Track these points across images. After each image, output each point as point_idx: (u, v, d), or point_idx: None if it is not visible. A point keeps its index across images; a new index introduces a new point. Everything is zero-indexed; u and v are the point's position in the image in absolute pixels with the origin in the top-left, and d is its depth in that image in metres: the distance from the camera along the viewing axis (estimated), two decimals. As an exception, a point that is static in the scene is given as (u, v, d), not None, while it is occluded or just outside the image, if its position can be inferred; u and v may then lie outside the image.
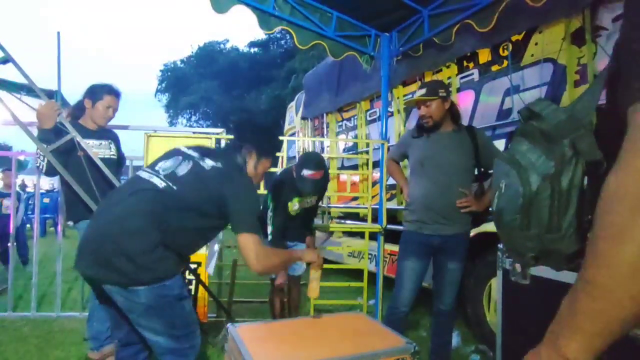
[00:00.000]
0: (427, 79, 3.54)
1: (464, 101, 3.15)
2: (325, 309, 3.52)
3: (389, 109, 3.77)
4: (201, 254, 3.41)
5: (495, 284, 2.80)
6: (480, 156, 2.28)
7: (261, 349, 1.78)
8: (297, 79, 16.76)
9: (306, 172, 2.47)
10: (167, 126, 21.60)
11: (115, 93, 2.69)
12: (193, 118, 29.30)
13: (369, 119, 4.40)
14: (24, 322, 3.21)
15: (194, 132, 3.77)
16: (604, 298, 0.46)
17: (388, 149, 3.39)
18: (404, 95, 3.83)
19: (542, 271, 1.96)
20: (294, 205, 2.69)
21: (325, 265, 3.79)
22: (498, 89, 2.87)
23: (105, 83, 2.70)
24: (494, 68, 2.91)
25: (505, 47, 2.81)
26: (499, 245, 2.21)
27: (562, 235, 0.81)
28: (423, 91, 2.29)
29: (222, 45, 29.17)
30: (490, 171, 2.36)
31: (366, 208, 3.69)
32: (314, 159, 2.59)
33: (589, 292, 0.47)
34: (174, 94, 28.71)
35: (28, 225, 6.08)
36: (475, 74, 3.08)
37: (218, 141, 3.58)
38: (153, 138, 3.49)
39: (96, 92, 2.63)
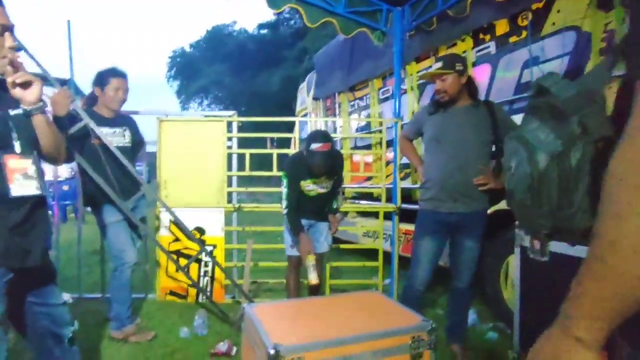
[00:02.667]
0: (442, 54, 3.42)
1: (480, 75, 3.04)
2: (341, 288, 3.55)
3: (402, 87, 3.68)
4: (218, 237, 3.45)
5: (513, 262, 2.77)
6: (498, 131, 2.21)
7: (278, 328, 1.80)
8: (310, 60, 16.54)
9: (314, 146, 2.46)
10: (180, 111, 21.71)
11: (120, 74, 2.68)
12: (205, 102, 29.35)
13: (381, 97, 4.31)
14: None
15: (205, 116, 3.76)
16: (609, 277, 0.45)
17: (402, 127, 3.32)
18: (418, 72, 3.72)
19: (561, 247, 1.91)
20: (307, 186, 2.68)
21: (341, 246, 3.83)
22: (516, 61, 2.75)
23: (109, 67, 2.69)
24: (512, 39, 2.79)
25: (524, 16, 2.68)
26: (516, 222, 2.17)
27: (573, 212, 0.78)
28: (439, 64, 2.22)
29: (230, 28, 28.88)
30: None
31: (380, 188, 3.65)
32: (320, 133, 2.60)
33: (595, 272, 0.46)
34: (184, 79, 28.73)
35: (50, 212, 6.24)
36: (492, 47, 2.96)
37: (230, 124, 3.57)
38: (165, 123, 3.50)
39: (103, 77, 2.63)
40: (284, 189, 2.66)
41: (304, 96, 6.24)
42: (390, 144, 3.68)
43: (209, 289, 3.45)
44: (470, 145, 2.20)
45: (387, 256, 3.60)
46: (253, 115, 3.92)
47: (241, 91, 24.21)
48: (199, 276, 3.45)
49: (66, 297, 1.55)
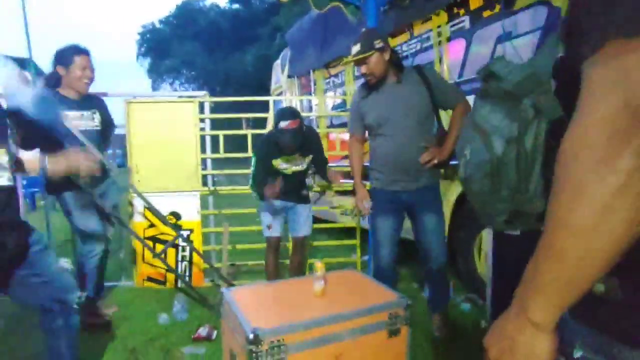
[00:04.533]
0: (416, 29, 3.38)
1: (455, 50, 3.03)
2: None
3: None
4: (194, 221, 3.40)
5: (486, 236, 2.85)
6: (434, 95, 2.19)
7: (256, 311, 1.79)
8: (282, 37, 16.13)
9: (282, 124, 2.42)
10: (151, 92, 20.95)
11: (84, 51, 2.52)
12: (177, 82, 28.42)
13: (356, 74, 4.25)
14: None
15: (178, 97, 3.62)
16: (563, 259, 0.45)
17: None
18: (393, 47, 3.67)
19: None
20: (281, 164, 2.64)
21: (320, 225, 3.84)
22: (490, 36, 2.74)
23: (69, 45, 2.52)
24: (486, 14, 2.77)
25: (497, -11, 2.66)
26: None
27: (530, 195, 0.78)
28: (357, 48, 2.15)
29: (201, 3, 27.76)
30: (448, 109, 2.29)
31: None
32: (287, 110, 2.56)
33: (548, 253, 0.46)
34: (155, 58, 27.63)
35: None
36: (466, 21, 2.93)
37: (202, 105, 3.46)
38: (133, 104, 3.35)
39: (65, 56, 2.46)
40: (251, 169, 2.64)
41: (279, 74, 6.09)
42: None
43: (187, 274, 3.41)
44: (408, 122, 2.17)
45: (365, 233, 3.63)
46: (228, 95, 3.79)
47: (214, 71, 23.53)
48: (176, 261, 3.41)
49: (64, 263, 1.57)
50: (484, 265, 2.86)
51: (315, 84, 5.01)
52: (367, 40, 2.14)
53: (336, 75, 4.64)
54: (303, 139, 2.52)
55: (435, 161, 2.20)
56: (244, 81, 20.57)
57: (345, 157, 4.45)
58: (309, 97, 5.14)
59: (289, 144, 2.45)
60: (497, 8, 2.67)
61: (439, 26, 3.14)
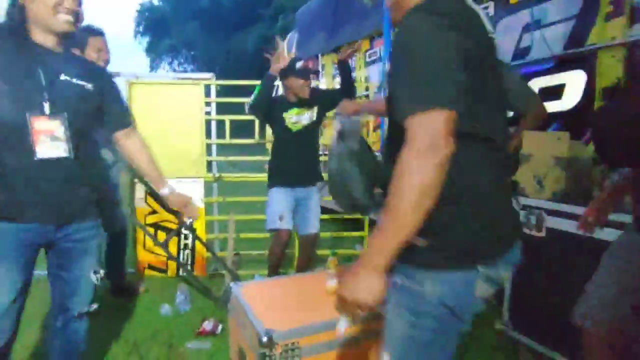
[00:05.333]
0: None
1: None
2: (325, 259, 3.49)
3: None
4: (198, 208, 3.27)
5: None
6: (508, 99, 2.13)
7: (268, 311, 1.70)
8: (285, 19, 15.72)
9: (297, 64, 2.50)
10: (149, 72, 20.54)
11: (98, 32, 2.41)
12: (176, 62, 27.91)
13: (368, 60, 4.10)
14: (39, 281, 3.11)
15: (180, 78, 3.46)
16: (395, 232, 0.79)
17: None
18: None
19: (557, 224, 1.87)
20: (291, 117, 2.53)
21: (325, 216, 3.73)
22: (516, 24, 2.60)
23: (82, 26, 2.34)
24: (513, 0, 2.62)
25: (527, -25, 2.50)
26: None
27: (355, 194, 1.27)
28: None
29: (202, -19, 27.02)
30: None
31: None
32: (295, 59, 2.61)
33: (391, 223, 0.79)
34: (154, 37, 27.02)
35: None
36: (490, 8, 2.78)
37: (207, 87, 3.30)
38: (136, 86, 3.20)
39: (78, 38, 2.28)
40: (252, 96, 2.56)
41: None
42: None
43: (190, 262, 3.32)
44: None
45: (373, 224, 3.54)
46: (229, 78, 3.63)
47: (215, 51, 23.02)
48: (179, 249, 3.31)
49: (97, 274, 1.51)
50: (497, 263, 2.78)
51: (323, 69, 4.85)
52: None
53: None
54: (313, 91, 2.55)
55: None
56: (245, 63, 20.14)
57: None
58: (316, 83, 4.98)
59: (302, 82, 2.45)
60: (526, -6, 2.52)
61: (460, 12, 2.99)
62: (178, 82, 3.34)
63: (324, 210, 4.04)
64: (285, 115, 2.56)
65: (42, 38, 1.36)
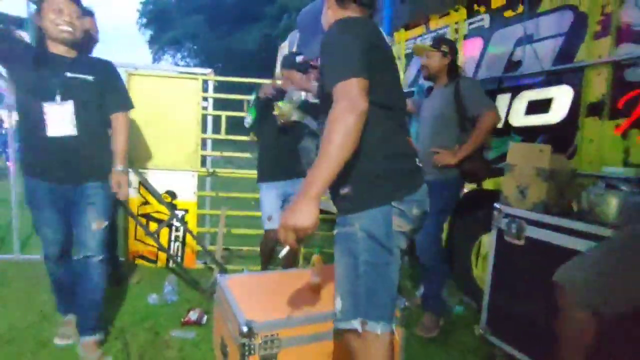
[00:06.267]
0: (433, 23, 3.28)
1: (471, 49, 2.95)
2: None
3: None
4: (190, 201, 3.33)
5: (486, 241, 2.82)
6: (462, 108, 2.36)
7: (251, 302, 1.75)
8: (289, 18, 15.77)
9: (298, 58, 2.61)
10: (151, 63, 20.51)
11: (88, 12, 2.29)
12: (178, 55, 27.88)
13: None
14: (7, 265, 3.15)
15: (179, 72, 3.50)
16: (331, 162, 1.03)
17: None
18: (406, 40, 3.58)
19: (536, 233, 1.94)
20: (280, 109, 2.51)
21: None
22: (509, 37, 2.66)
23: None
24: (507, 14, 2.68)
25: (522, -11, 2.56)
26: (495, 205, 2.17)
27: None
28: (429, 42, 2.57)
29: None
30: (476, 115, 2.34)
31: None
32: (294, 53, 2.76)
33: (324, 160, 1.03)
34: (157, 29, 26.97)
35: (9, 163, 5.83)
36: (485, 20, 2.84)
37: (206, 83, 3.35)
38: (135, 77, 3.24)
39: None
40: (249, 107, 2.63)
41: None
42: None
43: (179, 254, 3.36)
44: (432, 122, 2.46)
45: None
46: (230, 74, 3.67)
47: (217, 47, 23.00)
48: (169, 241, 3.35)
49: (99, 224, 1.98)
50: (481, 269, 2.84)
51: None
52: (438, 42, 2.47)
53: (345, 64, 4.54)
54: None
55: (446, 161, 2.34)
56: (247, 60, 20.15)
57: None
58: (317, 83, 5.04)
59: (304, 71, 2.55)
60: (520, 9, 2.59)
61: (457, 22, 3.05)
62: (177, 75, 3.38)
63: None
64: (275, 107, 2.54)
65: (54, 48, 1.86)
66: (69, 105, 1.83)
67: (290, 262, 2.83)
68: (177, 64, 27.49)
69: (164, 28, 25.89)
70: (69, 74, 1.85)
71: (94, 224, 1.95)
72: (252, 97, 2.66)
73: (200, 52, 25.31)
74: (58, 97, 1.82)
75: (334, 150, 1.02)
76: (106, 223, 2.00)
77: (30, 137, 1.87)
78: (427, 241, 2.38)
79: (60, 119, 1.82)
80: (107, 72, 2.01)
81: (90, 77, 1.90)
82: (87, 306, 2.01)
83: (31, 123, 1.84)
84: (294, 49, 5.51)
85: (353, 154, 1.07)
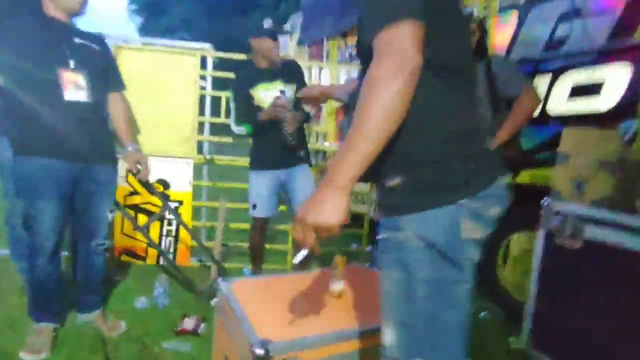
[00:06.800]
0: (458, -2, 2.96)
1: (504, 27, 2.64)
2: (324, 258, 3.23)
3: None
4: (185, 192, 2.98)
5: (518, 241, 2.54)
6: (497, 86, 2.01)
7: (263, 315, 1.44)
8: (287, 4, 15.24)
9: (265, 23, 2.44)
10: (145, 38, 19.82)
11: None
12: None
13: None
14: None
15: (174, 47, 3.11)
16: (367, 139, 0.74)
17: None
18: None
19: (600, 235, 1.65)
20: (260, 93, 2.32)
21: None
22: (551, 11, 2.36)
23: None
24: (550, -15, 2.37)
25: (569, -43, 2.25)
26: (543, 201, 1.88)
27: None
28: None
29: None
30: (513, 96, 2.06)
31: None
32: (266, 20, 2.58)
33: (358, 137, 0.74)
34: (149, 16, 26.19)
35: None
36: (522, -7, 2.54)
37: (203, 59, 3.00)
38: (125, 51, 2.87)
39: None
40: (232, 106, 2.41)
41: (286, 40, 5.59)
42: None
43: (172, 250, 3.02)
44: None
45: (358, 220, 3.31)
46: (227, 63, 3.24)
47: (213, 35, 22.33)
48: (160, 236, 3.00)
49: (112, 213, 2.00)
50: (510, 273, 2.55)
51: (328, 55, 4.56)
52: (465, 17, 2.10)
53: (354, 47, 4.20)
54: (288, 63, 2.45)
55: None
56: (245, 48, 19.55)
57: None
58: (320, 64, 4.67)
59: (269, 46, 2.31)
60: (566, -21, 2.28)
61: (488, -3, 2.73)
62: (172, 50, 3.01)
63: None
64: (253, 92, 2.36)
65: (55, 12, 1.74)
66: (84, 73, 1.76)
67: (303, 263, 2.52)
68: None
69: (156, 15, 25.14)
70: (77, 40, 1.78)
71: (110, 214, 1.93)
72: (232, 106, 2.42)
73: (196, 40, 24.64)
74: (71, 62, 1.73)
75: (372, 124, 0.73)
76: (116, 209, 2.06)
77: (35, 108, 1.68)
78: None
79: (74, 87, 1.73)
80: (104, 46, 1.95)
81: (97, 47, 1.87)
82: (91, 289, 2.03)
83: (39, 91, 1.68)
84: (295, 35, 5.18)
85: (404, 132, 0.79)
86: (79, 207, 1.87)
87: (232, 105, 2.42)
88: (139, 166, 2.03)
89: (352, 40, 4.22)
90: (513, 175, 2.37)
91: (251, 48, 2.41)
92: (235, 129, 2.40)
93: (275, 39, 2.35)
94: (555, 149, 2.34)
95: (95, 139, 1.83)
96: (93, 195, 1.88)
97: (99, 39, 1.94)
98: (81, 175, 1.82)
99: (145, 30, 27.01)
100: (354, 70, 4.22)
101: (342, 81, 4.47)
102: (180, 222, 2.82)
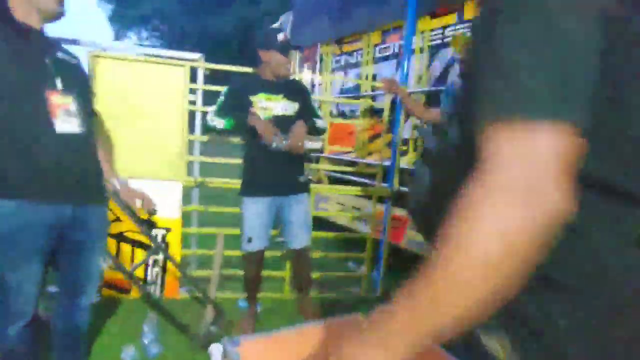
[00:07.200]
0: (468, 11, 2.79)
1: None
2: (317, 282, 3.03)
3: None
4: (173, 218, 2.71)
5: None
6: None
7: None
8: (268, 0, 14.76)
9: (273, 37, 2.16)
10: (112, 43, 18.87)
11: None
12: (144, 34, 26.12)
13: (378, 55, 3.62)
14: None
15: (159, 56, 2.79)
16: (453, 301, 0.44)
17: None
18: (432, 30, 3.07)
19: None
20: (260, 102, 2.14)
21: (322, 234, 3.22)
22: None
23: None
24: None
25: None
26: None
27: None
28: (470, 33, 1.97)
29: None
30: None
31: (369, 164, 3.11)
32: (274, 29, 2.44)
33: (434, 294, 0.45)
34: (120, 5, 25.02)
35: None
36: None
37: (194, 70, 2.71)
38: (101, 60, 2.55)
39: None
40: (218, 100, 2.20)
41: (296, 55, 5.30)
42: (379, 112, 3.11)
43: (159, 283, 2.74)
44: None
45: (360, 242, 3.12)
46: (209, 60, 2.89)
47: (190, 27, 21.55)
48: (146, 266, 2.72)
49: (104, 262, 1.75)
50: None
51: (322, 60, 4.32)
52: None
53: (350, 54, 3.97)
54: (289, 81, 2.27)
55: None
56: (221, 43, 18.94)
57: (349, 152, 3.87)
58: (311, 74, 4.45)
59: (281, 59, 2.12)
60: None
61: (501, 11, 2.57)
62: (157, 60, 2.70)
63: (322, 226, 3.56)
64: (253, 98, 2.15)
65: (28, 18, 1.35)
66: (73, 95, 1.42)
67: (310, 312, 2.37)
68: (142, 45, 25.79)
69: (129, 3, 24.03)
70: (60, 55, 1.45)
71: (103, 264, 1.69)
72: (220, 99, 2.20)
73: (170, 32, 23.71)
74: (58, 82, 1.38)
75: (462, 282, 0.43)
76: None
77: (16, 139, 1.32)
78: None
79: (64, 113, 1.38)
80: (78, 58, 1.60)
81: (75, 60, 1.53)
82: (69, 345, 1.67)
83: (23, 121, 1.32)
84: (286, 34, 4.90)
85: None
86: (65, 262, 1.54)
87: (219, 99, 2.20)
88: (139, 201, 1.77)
89: (349, 47, 3.99)
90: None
91: (258, 60, 2.20)
92: (212, 120, 2.13)
93: (286, 54, 2.16)
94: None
95: (87, 177, 1.51)
96: (83, 246, 1.55)
97: (71, 52, 1.58)
98: (70, 223, 1.47)
99: (116, 19, 25.83)
100: (350, 82, 4.00)
101: (336, 91, 4.25)
102: (167, 257, 2.56)
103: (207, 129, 2.19)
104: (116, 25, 25.99)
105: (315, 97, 4.19)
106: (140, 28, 25.74)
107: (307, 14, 4.43)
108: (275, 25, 5.33)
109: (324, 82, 4.28)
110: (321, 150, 2.58)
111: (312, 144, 2.25)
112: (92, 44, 2.60)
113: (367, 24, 3.60)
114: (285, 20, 4.97)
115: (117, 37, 25.82)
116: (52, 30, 1.55)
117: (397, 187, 3.01)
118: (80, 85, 1.50)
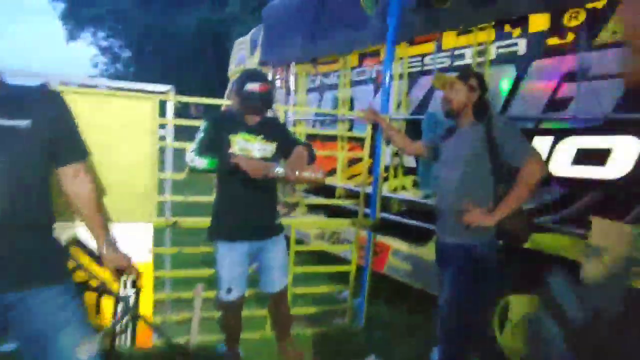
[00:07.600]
0: (447, 41, 2.78)
1: (499, 79, 2.49)
2: (302, 315, 2.92)
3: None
4: (144, 262, 2.51)
5: (514, 302, 2.44)
6: (494, 156, 1.91)
7: None
8: (234, 5, 14.24)
9: (250, 86, 2.00)
10: (67, 43, 17.74)
11: None
12: (99, 34, 24.80)
13: (355, 78, 3.56)
14: None
15: (126, 89, 2.55)
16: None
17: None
18: (410, 57, 3.04)
19: None
20: (238, 142, 2.03)
21: (303, 268, 3.11)
22: (553, 69, 2.24)
23: None
24: (552, 41, 2.25)
25: (574, 14, 2.14)
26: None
27: None
28: (454, 74, 2.10)
29: None
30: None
31: (349, 189, 3.03)
32: (257, 72, 2.40)
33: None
34: (72, 2, 23.57)
35: None
36: (520, 45, 2.40)
37: (163, 103, 2.52)
38: (64, 95, 2.30)
39: None
40: (197, 137, 2.04)
41: (244, 55, 5.12)
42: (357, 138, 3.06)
43: (130, 331, 2.53)
44: (459, 171, 1.98)
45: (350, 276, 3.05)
46: (161, 59, 2.69)
47: (148, 28, 20.60)
48: (115, 313, 2.50)
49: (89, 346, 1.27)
50: (509, 339, 2.44)
51: (296, 80, 4.20)
52: (465, 74, 2.05)
53: (326, 75, 3.87)
54: (273, 121, 2.25)
55: (479, 223, 1.85)
56: (181, 46, 18.21)
57: (328, 174, 3.78)
58: (285, 94, 4.31)
59: (258, 109, 2.05)
60: (570, 37, 2.16)
61: (480, 44, 2.57)
62: (123, 93, 2.48)
63: (306, 259, 3.42)
64: (232, 138, 2.04)
65: None
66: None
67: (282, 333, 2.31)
68: (98, 46, 24.52)
69: (81, 2, 22.69)
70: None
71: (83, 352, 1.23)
72: (200, 136, 2.05)
73: (126, 32, 22.58)
74: None
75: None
76: (97, 344, 1.27)
77: None
78: (448, 302, 2.01)
79: None
80: (55, 108, 1.33)
81: (25, 122, 1.21)
82: None
83: None
84: (257, 51, 4.73)
85: None
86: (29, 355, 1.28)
87: (198, 136, 2.03)
88: (124, 276, 1.55)
89: (324, 68, 3.89)
90: (517, 246, 2.24)
91: (237, 98, 2.09)
92: (192, 160, 1.96)
93: (263, 109, 2.10)
94: (557, 211, 2.26)
95: (26, 260, 1.25)
96: (47, 336, 1.24)
97: (39, 103, 1.30)
98: (16, 306, 1.23)
99: (68, 17, 24.34)
100: (325, 101, 3.90)
101: (310, 113, 4.14)
102: (138, 317, 2.37)
103: (190, 169, 2.03)
104: (69, 24, 24.48)
105: (290, 117, 4.08)
106: (95, 27, 24.39)
107: (280, 31, 4.28)
108: (244, 38, 5.14)
109: (298, 104, 4.16)
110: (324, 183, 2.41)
111: (314, 174, 1.92)
112: (56, 76, 2.36)
113: (346, 45, 3.51)
114: (256, 35, 4.80)
115: (71, 37, 24.39)
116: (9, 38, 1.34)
117: (379, 216, 2.95)
118: (11, 153, 1.23)
